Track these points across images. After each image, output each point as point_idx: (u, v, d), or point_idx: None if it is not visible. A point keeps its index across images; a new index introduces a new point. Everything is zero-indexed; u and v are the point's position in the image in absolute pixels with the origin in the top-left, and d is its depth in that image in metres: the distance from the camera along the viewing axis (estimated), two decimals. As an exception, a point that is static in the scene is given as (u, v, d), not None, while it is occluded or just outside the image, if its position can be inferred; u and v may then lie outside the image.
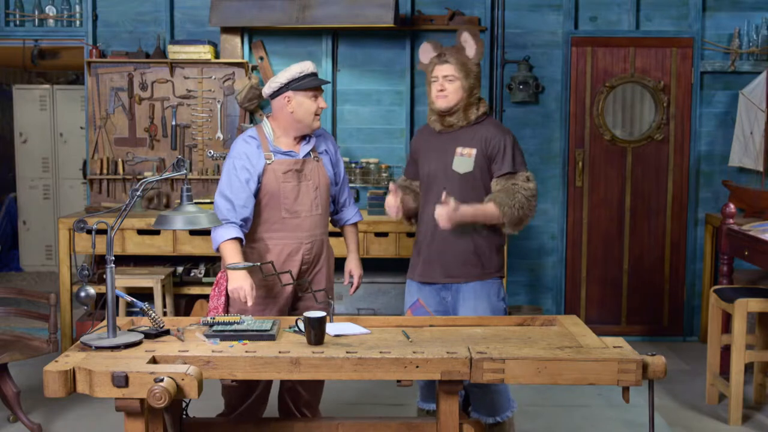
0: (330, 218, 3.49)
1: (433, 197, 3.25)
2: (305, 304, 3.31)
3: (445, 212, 3.08)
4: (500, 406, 3.29)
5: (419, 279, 3.37)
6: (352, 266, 3.55)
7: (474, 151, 3.21)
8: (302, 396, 3.43)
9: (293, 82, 3.18)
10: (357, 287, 3.55)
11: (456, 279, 3.26)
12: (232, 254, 3.11)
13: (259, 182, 3.21)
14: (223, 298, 3.24)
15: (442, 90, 3.21)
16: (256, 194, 3.21)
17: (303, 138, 3.31)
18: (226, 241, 3.13)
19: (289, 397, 3.45)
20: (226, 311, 3.23)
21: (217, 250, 3.18)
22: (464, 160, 3.21)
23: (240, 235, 3.16)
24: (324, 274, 3.38)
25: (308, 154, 3.30)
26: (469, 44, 3.26)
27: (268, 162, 3.21)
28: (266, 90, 3.25)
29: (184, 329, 2.72)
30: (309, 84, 3.18)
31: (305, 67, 3.21)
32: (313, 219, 3.29)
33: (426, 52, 3.36)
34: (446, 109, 3.24)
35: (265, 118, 3.34)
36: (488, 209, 3.16)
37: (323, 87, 3.27)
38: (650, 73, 5.45)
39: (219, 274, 3.28)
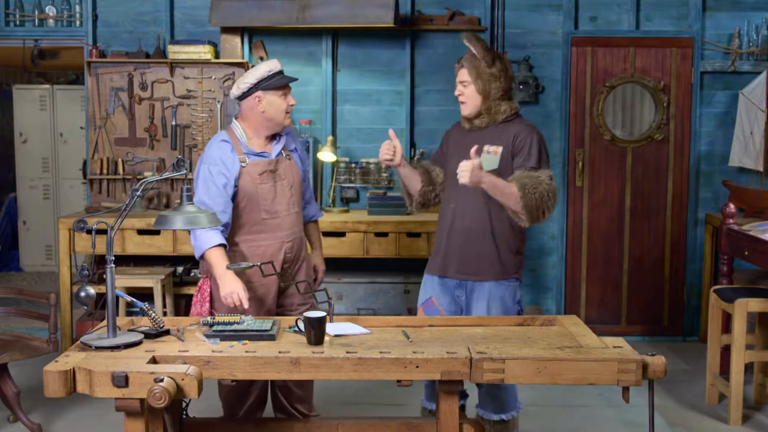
0: None
1: (456, 194, 3.27)
2: (289, 301, 3.33)
3: (469, 165, 3.02)
4: (507, 404, 3.29)
5: (434, 272, 3.36)
6: (318, 261, 3.58)
7: (500, 149, 3.21)
8: (294, 392, 3.44)
9: (262, 81, 3.20)
10: (320, 282, 3.57)
11: (471, 276, 3.25)
12: (219, 260, 3.10)
13: (236, 186, 3.21)
14: (207, 305, 3.24)
15: (460, 94, 3.28)
16: (233, 198, 3.22)
17: (273, 138, 3.32)
18: (211, 248, 3.11)
19: (282, 395, 3.46)
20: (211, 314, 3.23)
21: (201, 257, 3.16)
22: (490, 157, 3.20)
23: (223, 241, 3.15)
24: (303, 270, 3.41)
25: (280, 153, 3.32)
26: (473, 46, 3.26)
27: (243, 165, 3.22)
28: (235, 92, 3.25)
29: (184, 329, 2.72)
30: (278, 82, 3.20)
31: (273, 65, 3.23)
32: (291, 218, 3.32)
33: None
34: (469, 116, 3.29)
35: (234, 120, 3.34)
36: (510, 186, 3.10)
37: (291, 85, 3.29)
38: (650, 73, 5.45)
39: (200, 281, 3.28)
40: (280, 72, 3.24)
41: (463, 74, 3.26)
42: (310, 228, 3.61)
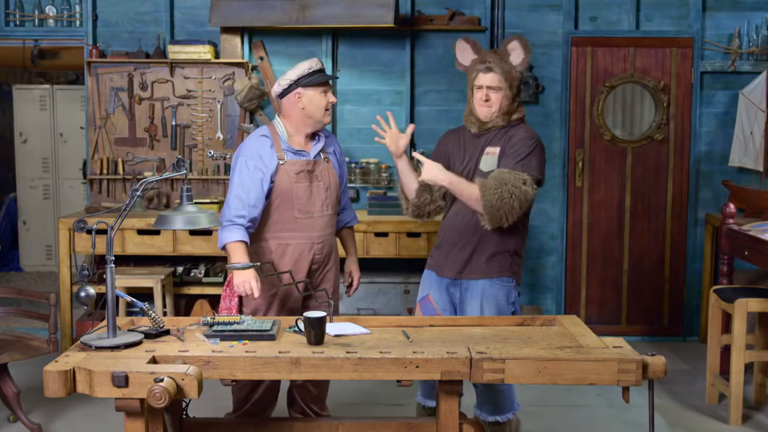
0: None
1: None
2: (316, 303, 3.34)
3: (435, 170, 3.11)
4: (503, 406, 3.29)
5: (431, 268, 3.37)
6: (353, 268, 3.58)
7: (497, 149, 3.19)
8: (311, 392, 3.45)
9: (302, 78, 3.23)
10: (356, 289, 3.57)
11: (465, 275, 3.24)
12: (236, 254, 3.15)
13: (272, 182, 3.24)
14: (236, 299, 3.29)
15: (487, 99, 3.18)
16: (268, 195, 3.24)
17: (313, 138, 3.34)
18: (232, 242, 3.16)
19: (298, 394, 3.48)
20: (240, 311, 3.27)
21: (223, 248, 3.21)
22: (489, 158, 3.19)
23: (245, 238, 3.19)
24: (333, 273, 3.44)
25: (318, 154, 3.34)
26: (517, 53, 3.20)
27: (281, 162, 3.25)
28: (276, 89, 3.28)
29: (184, 329, 2.72)
30: (318, 80, 3.23)
31: (313, 63, 3.26)
32: (323, 219, 3.33)
33: (465, 51, 3.31)
34: (487, 120, 3.22)
35: (276, 117, 3.38)
36: (470, 185, 3.11)
37: (330, 83, 3.32)
38: (650, 73, 5.45)
39: (230, 276, 3.32)
40: (321, 70, 3.27)
41: (493, 79, 3.16)
42: (345, 234, 3.61)
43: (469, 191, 3.11)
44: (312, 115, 3.25)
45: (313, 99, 3.23)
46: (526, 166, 3.12)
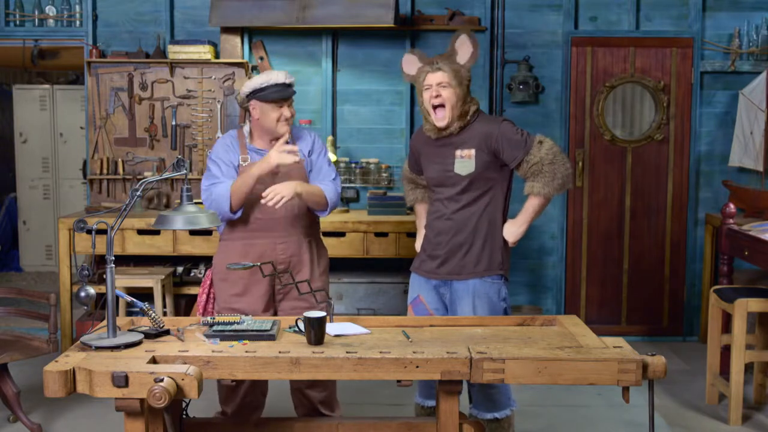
0: None
1: (438, 196, 3.31)
2: (289, 304, 3.32)
3: (510, 229, 3.25)
4: (500, 403, 3.29)
5: (417, 271, 3.38)
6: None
7: (473, 152, 3.19)
8: (306, 394, 3.43)
9: (257, 92, 3.24)
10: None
11: (455, 276, 3.25)
12: (243, 175, 3.20)
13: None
14: (205, 296, 3.36)
15: (437, 96, 3.17)
16: None
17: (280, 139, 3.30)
18: (229, 187, 3.22)
19: (296, 398, 3.47)
20: (205, 307, 3.36)
21: (230, 211, 3.23)
22: (465, 162, 3.20)
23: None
24: (305, 276, 3.30)
25: None
26: (465, 47, 3.21)
27: (243, 164, 3.29)
28: (238, 98, 3.34)
29: (184, 329, 2.72)
30: (268, 96, 3.22)
31: (271, 77, 3.24)
32: (287, 220, 3.31)
33: (411, 63, 3.33)
34: (446, 126, 3.22)
35: (246, 120, 3.40)
36: (535, 204, 3.20)
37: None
38: (650, 73, 5.45)
39: (207, 272, 3.41)
40: (281, 84, 3.24)
41: (441, 76, 3.17)
42: None
43: (540, 206, 3.21)
44: (263, 126, 3.29)
45: (266, 112, 3.25)
46: (524, 139, 3.18)
